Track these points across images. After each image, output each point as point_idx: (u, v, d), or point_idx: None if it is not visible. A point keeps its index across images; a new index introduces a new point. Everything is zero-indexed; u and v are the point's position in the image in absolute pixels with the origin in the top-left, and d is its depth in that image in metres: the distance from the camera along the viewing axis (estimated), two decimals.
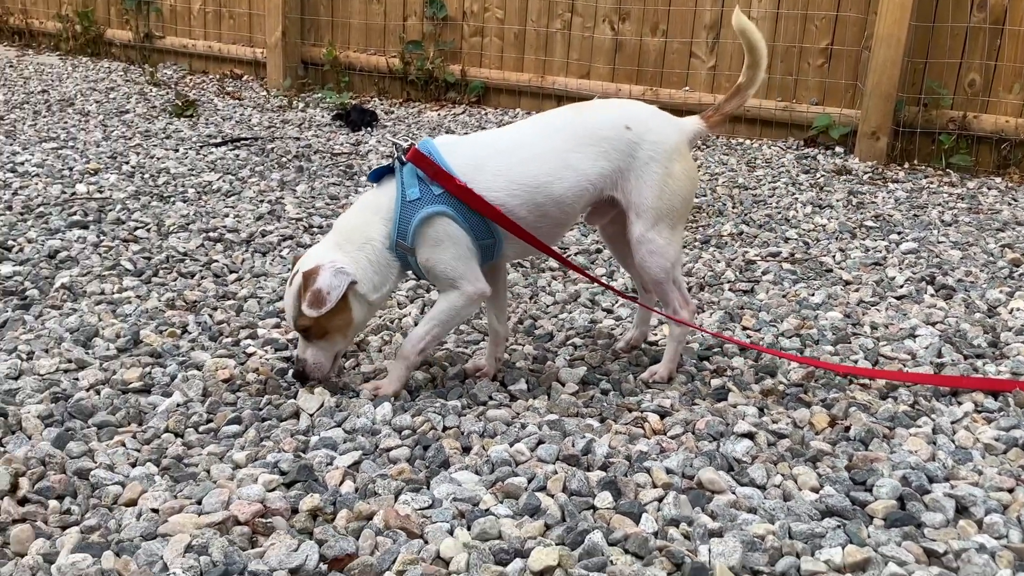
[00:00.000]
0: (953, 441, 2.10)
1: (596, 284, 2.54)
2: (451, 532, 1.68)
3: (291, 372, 2.33)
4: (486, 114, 6.30)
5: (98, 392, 2.23)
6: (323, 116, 6.21)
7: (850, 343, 2.68)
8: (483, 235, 2.22)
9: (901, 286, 3.20)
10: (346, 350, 2.44)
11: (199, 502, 1.76)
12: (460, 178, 2.17)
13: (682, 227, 2.36)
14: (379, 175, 2.29)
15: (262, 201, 4.06)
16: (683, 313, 2.39)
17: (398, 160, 2.23)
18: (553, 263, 3.43)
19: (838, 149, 5.36)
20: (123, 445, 1.99)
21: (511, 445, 2.00)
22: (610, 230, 2.51)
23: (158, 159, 4.73)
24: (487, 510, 1.76)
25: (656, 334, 2.76)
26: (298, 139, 5.45)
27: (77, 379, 2.29)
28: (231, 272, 3.19)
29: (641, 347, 2.64)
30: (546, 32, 6.26)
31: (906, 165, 5.13)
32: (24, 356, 2.41)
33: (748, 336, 2.74)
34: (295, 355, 2.32)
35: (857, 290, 3.16)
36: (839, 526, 1.72)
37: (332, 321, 2.19)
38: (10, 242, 3.30)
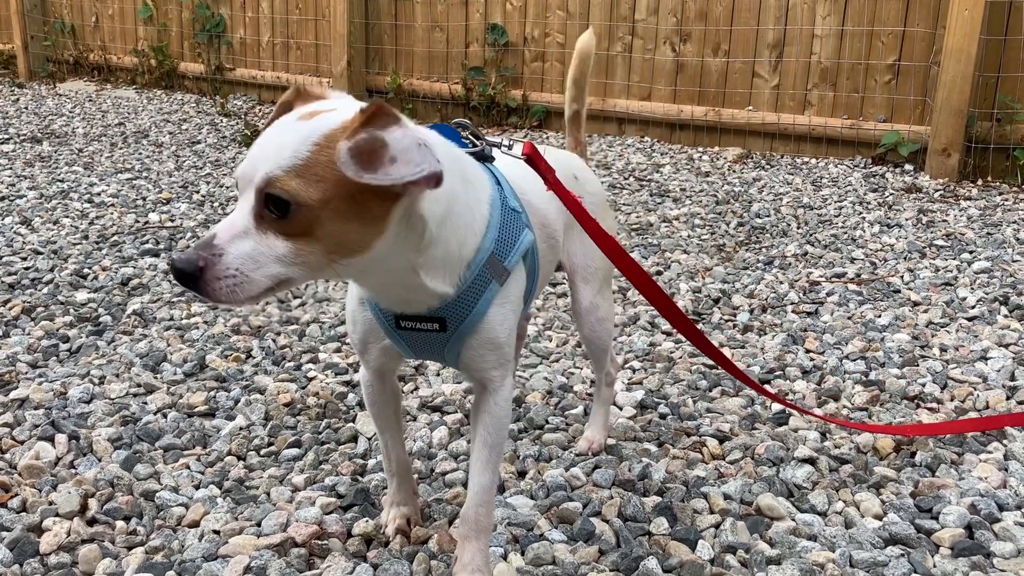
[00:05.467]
0: None
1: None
2: (505, 557, 1.68)
3: (169, 264, 1.38)
4: (548, 138, 6.32)
5: (165, 415, 2.30)
6: None
7: (917, 366, 2.61)
8: (532, 275, 1.60)
9: (972, 307, 3.11)
10: (299, 286, 1.83)
11: (259, 524, 1.79)
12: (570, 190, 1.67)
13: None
14: (453, 137, 1.52)
15: None
16: (613, 371, 2.17)
17: (504, 147, 1.61)
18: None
19: (907, 167, 5.24)
20: (187, 467, 2.04)
21: (567, 470, 1.99)
22: None
23: (227, 188, 4.86)
24: (541, 535, 1.75)
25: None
26: None
27: (146, 403, 2.36)
28: (295, 297, 3.25)
29: (701, 371, 2.62)
30: (607, 55, 6.28)
31: (979, 182, 4.99)
32: (96, 380, 2.49)
33: (812, 360, 2.69)
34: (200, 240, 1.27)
35: (926, 311, 3.07)
36: (903, 555, 1.67)
37: (349, 219, 1.25)
38: (86, 270, 3.42)
